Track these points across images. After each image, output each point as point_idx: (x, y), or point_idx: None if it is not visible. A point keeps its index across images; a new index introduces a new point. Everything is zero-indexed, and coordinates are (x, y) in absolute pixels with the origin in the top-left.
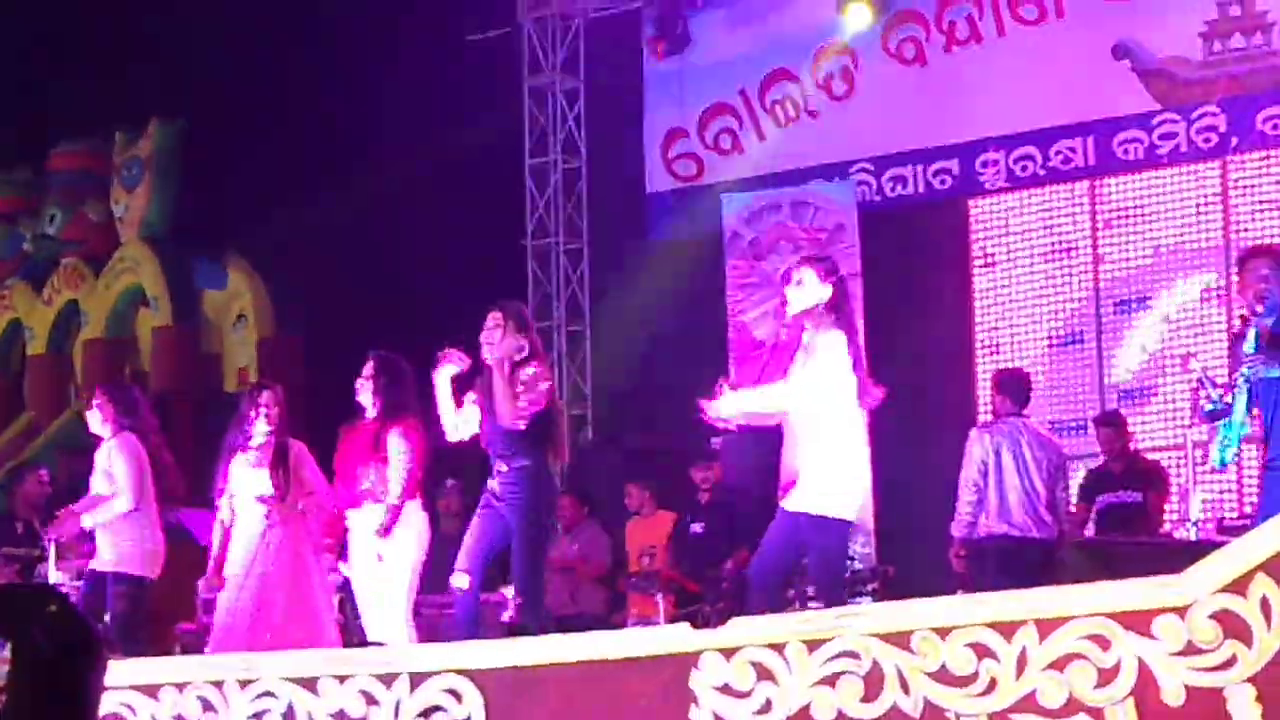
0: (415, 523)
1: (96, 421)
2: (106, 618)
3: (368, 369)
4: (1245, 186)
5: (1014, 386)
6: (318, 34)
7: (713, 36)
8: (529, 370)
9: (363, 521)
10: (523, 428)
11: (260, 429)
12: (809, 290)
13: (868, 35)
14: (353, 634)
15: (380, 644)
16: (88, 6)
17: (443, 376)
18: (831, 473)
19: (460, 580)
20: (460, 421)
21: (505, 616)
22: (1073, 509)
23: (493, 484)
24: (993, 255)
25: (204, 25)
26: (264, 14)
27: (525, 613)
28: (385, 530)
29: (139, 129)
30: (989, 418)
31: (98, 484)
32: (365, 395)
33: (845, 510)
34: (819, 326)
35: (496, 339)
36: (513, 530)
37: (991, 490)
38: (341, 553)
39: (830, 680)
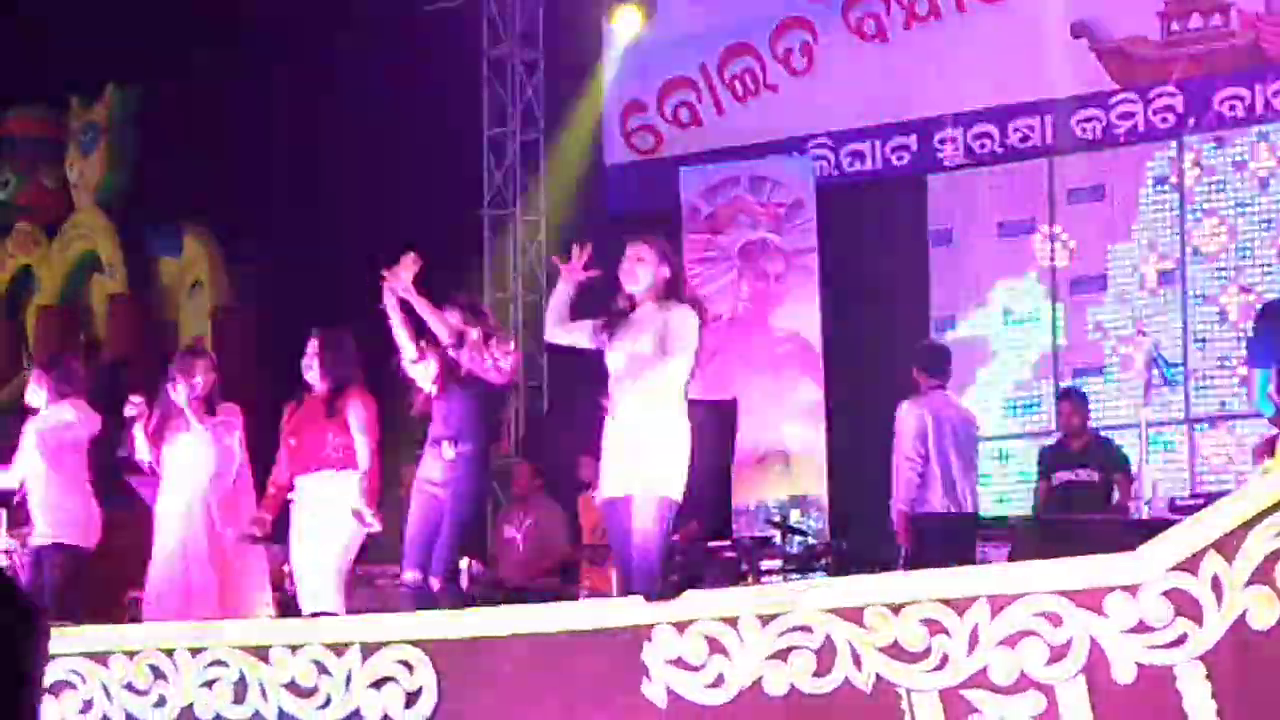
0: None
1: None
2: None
3: (312, 346)
4: (1201, 167)
5: (938, 359)
6: (276, 2)
7: (673, 9)
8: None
9: (313, 488)
10: (502, 380)
11: (189, 397)
12: (650, 269)
13: (828, 10)
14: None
15: (320, 614)
16: None
17: (393, 297)
18: (675, 453)
19: (411, 575)
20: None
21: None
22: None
23: (430, 469)
24: (949, 232)
25: None
26: None
27: (444, 595)
28: (370, 501)
29: (95, 94)
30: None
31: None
32: (312, 373)
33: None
34: (669, 303)
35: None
36: (446, 512)
37: (934, 464)
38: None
39: (783, 654)
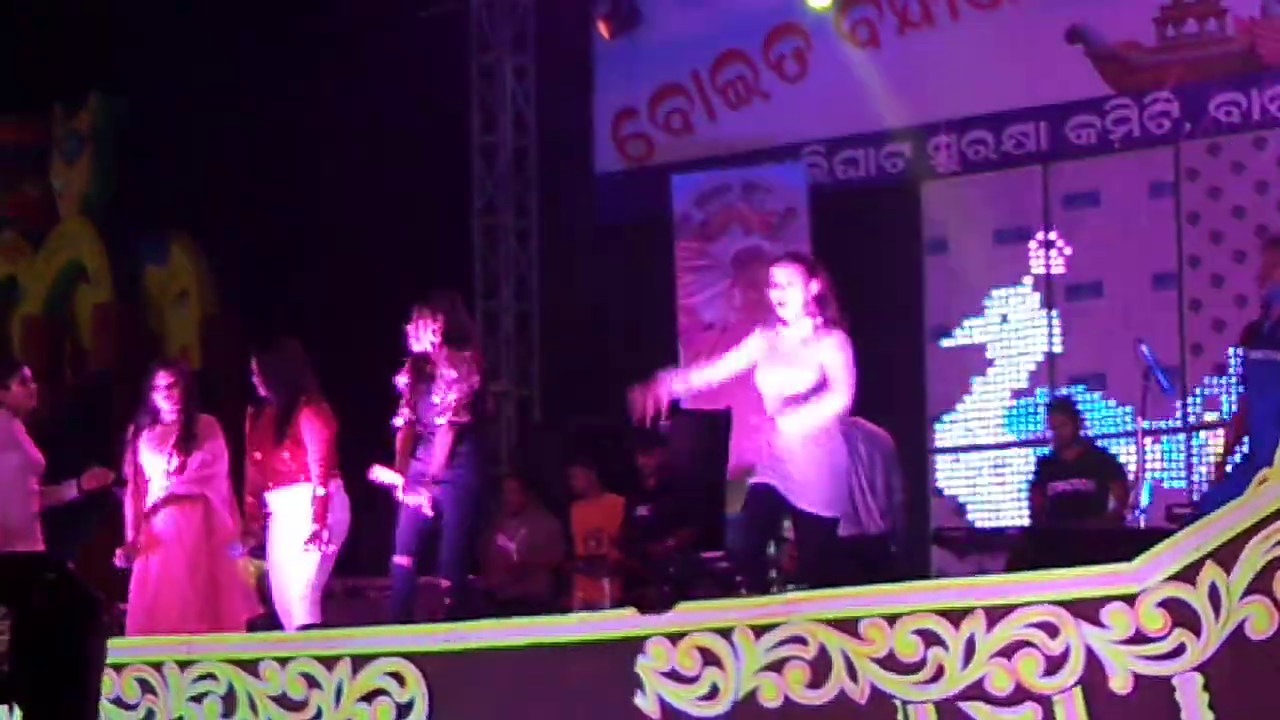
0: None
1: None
2: None
3: (254, 365)
4: (1198, 172)
5: None
6: (263, 7)
7: (664, 15)
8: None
9: (279, 505)
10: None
11: (164, 408)
12: (800, 289)
13: (820, 17)
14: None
15: (310, 627)
16: None
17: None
18: (836, 478)
19: (401, 560)
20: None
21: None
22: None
23: (428, 465)
24: (944, 239)
25: None
26: None
27: (456, 597)
28: (318, 520)
29: (78, 102)
30: (937, 401)
31: None
32: (262, 389)
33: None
34: (823, 329)
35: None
36: (445, 513)
37: None
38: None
39: (777, 666)
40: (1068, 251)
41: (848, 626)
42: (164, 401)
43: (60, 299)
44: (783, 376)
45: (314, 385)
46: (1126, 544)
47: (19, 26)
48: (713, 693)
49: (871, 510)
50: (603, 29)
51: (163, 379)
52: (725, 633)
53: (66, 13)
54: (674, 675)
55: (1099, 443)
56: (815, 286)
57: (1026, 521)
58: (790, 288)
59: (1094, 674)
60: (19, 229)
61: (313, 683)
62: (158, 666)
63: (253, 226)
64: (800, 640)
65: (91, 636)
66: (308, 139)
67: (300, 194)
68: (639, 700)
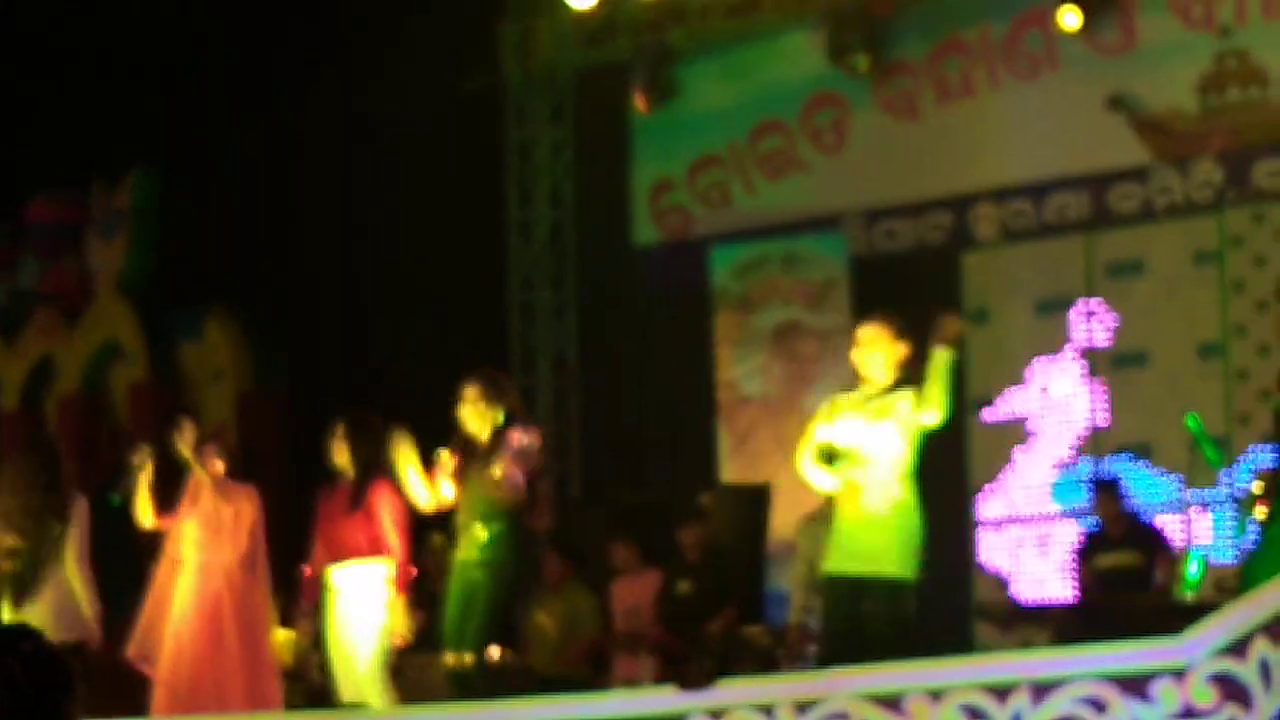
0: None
1: None
2: None
3: (339, 431)
4: (1242, 240)
5: None
6: (300, 85)
7: (701, 87)
8: (522, 439)
9: (347, 579)
10: (515, 494)
11: (205, 480)
12: (886, 349)
13: (859, 87)
14: (327, 695)
15: (356, 705)
16: (63, 54)
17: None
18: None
19: (452, 658)
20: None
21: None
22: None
23: (468, 551)
24: (986, 309)
25: (182, 76)
26: (244, 64)
27: (476, 674)
28: (401, 587)
29: (116, 180)
30: (980, 473)
31: None
32: (340, 457)
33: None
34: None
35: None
36: (480, 590)
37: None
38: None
39: None
40: (1111, 321)
41: (891, 703)
42: (207, 475)
43: (96, 377)
44: (865, 431)
45: (389, 461)
46: (1174, 618)
47: (60, 105)
48: None
49: None
50: (640, 103)
51: (206, 452)
52: (767, 710)
53: (107, 91)
54: None
55: (1145, 515)
56: (903, 347)
57: (1072, 595)
58: (873, 347)
59: None
60: (55, 307)
61: None
62: None
63: (289, 303)
64: (843, 717)
65: (67, 706)
66: (343, 215)
67: (337, 270)
68: None
